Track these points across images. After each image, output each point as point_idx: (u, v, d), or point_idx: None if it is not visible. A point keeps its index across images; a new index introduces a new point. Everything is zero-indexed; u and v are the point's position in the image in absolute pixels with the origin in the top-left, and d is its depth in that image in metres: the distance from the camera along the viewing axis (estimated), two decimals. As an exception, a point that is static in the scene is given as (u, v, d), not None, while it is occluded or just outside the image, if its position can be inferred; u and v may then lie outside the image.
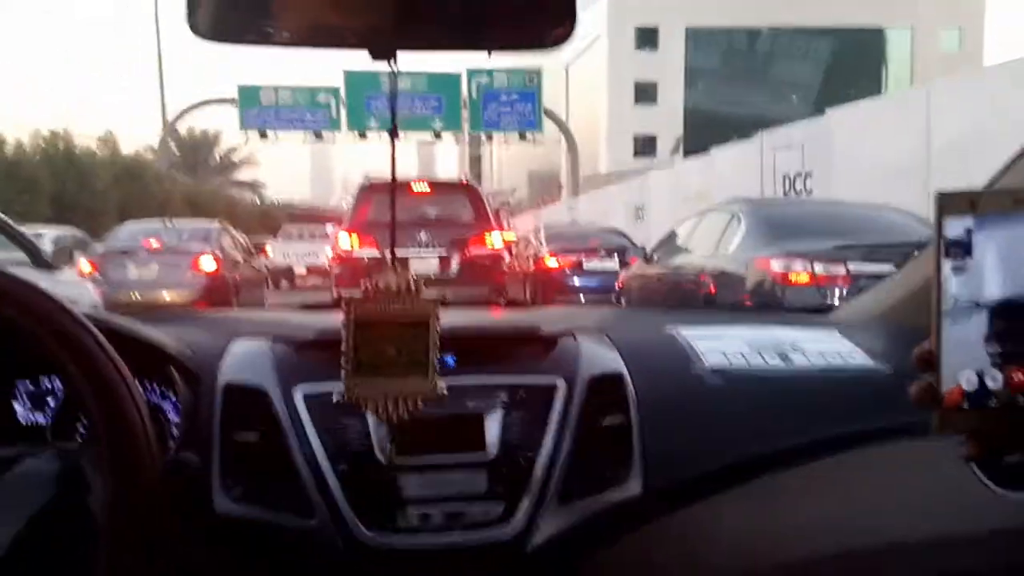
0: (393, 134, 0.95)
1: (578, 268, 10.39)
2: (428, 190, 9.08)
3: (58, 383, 1.12)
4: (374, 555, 0.99)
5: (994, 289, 0.59)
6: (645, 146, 39.16)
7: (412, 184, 9.06)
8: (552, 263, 10.51)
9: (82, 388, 0.73)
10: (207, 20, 0.85)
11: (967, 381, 0.59)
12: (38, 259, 5.27)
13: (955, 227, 0.59)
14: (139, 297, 8.69)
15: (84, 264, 8.51)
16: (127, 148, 24.13)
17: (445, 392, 0.92)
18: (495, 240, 8.72)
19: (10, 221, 5.30)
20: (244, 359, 1.13)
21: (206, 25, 0.85)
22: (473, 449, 1.05)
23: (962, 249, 0.59)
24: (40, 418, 1.12)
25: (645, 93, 39.51)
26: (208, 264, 9.22)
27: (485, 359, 1.15)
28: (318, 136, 24.13)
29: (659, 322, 1.39)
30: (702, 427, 1.14)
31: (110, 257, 9.19)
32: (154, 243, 9.40)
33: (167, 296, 8.82)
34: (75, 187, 18.61)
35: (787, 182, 11.62)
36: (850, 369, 1.22)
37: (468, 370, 1.10)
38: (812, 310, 1.94)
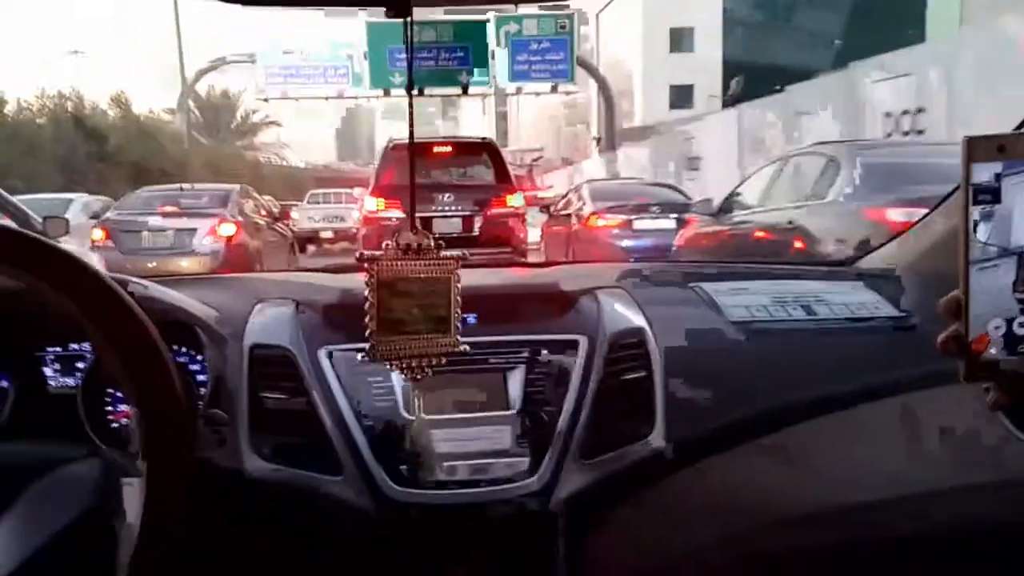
0: (409, 89, 0.95)
1: (627, 227, 9.31)
2: (449, 150, 9.12)
3: (86, 348, 1.13)
4: (402, 510, 1.02)
5: (1022, 235, 0.58)
6: (681, 97, 37.59)
7: (433, 145, 9.04)
8: (599, 222, 9.46)
9: (111, 353, 0.73)
10: None
11: (995, 328, 0.59)
12: (28, 228, 4.90)
13: (983, 172, 0.59)
14: (154, 266, 8.00)
15: (96, 232, 8.39)
16: (145, 110, 23.42)
17: (467, 348, 0.92)
18: (516, 200, 8.65)
19: None
20: (269, 321, 1.16)
21: None
22: (496, 406, 1.08)
23: (990, 195, 0.59)
24: (69, 381, 1.14)
25: (681, 40, 37.72)
26: (227, 230, 8.60)
27: (507, 317, 1.16)
28: (340, 95, 23.47)
29: (680, 277, 1.40)
30: (724, 381, 1.15)
31: (123, 224, 8.63)
32: (169, 208, 8.87)
33: (184, 264, 8.22)
34: (86, 150, 17.73)
35: (892, 122, 9.69)
36: (876, 319, 1.22)
37: (490, 329, 1.11)
38: (836, 262, 1.85)
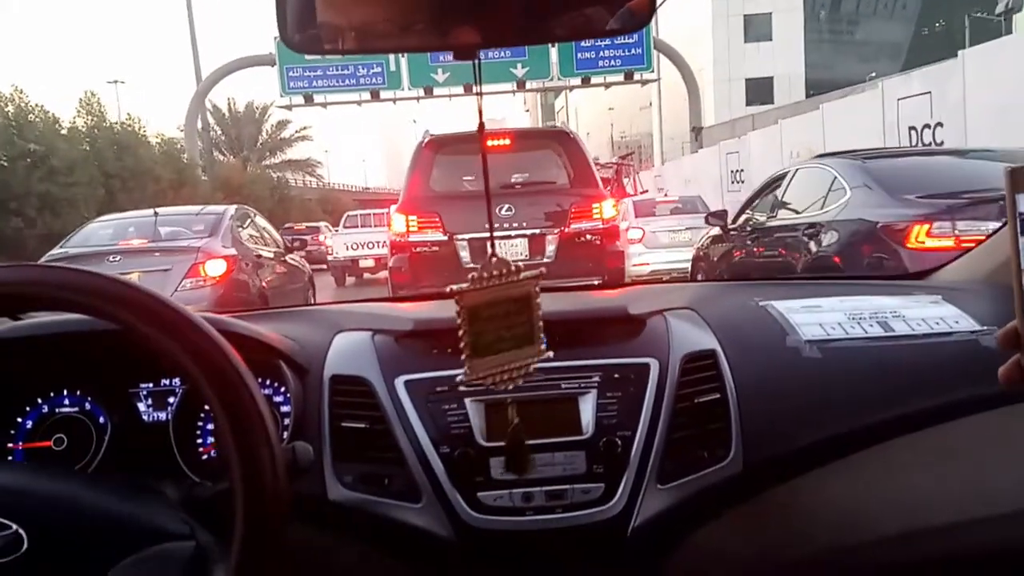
0: (481, 131, 1.03)
1: None
2: (508, 143, 6.38)
3: (176, 383, 1.18)
4: (480, 537, 1.02)
5: None
6: (759, 90, 33.87)
7: (486, 137, 4.71)
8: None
9: (203, 388, 0.75)
10: (295, 34, 0.86)
11: None
12: None
13: None
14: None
15: None
16: (166, 128, 20.09)
17: (552, 354, 0.95)
18: (607, 210, 6.29)
19: None
20: (348, 351, 1.19)
21: (296, 39, 0.86)
22: (570, 431, 1.07)
23: None
24: (161, 415, 1.17)
25: (758, 27, 34.03)
26: (215, 268, 6.22)
27: (576, 342, 1.15)
28: (374, 96, 20.36)
29: (750, 296, 1.35)
30: (801, 401, 1.12)
31: (71, 263, 5.00)
32: (137, 242, 6.63)
33: None
34: (36, 171, 13.98)
35: (914, 134, 9.97)
36: (956, 334, 1.18)
37: (560, 354, 1.07)
38: (912, 275, 1.63)
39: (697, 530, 1.07)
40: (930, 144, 9.51)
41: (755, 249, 6.05)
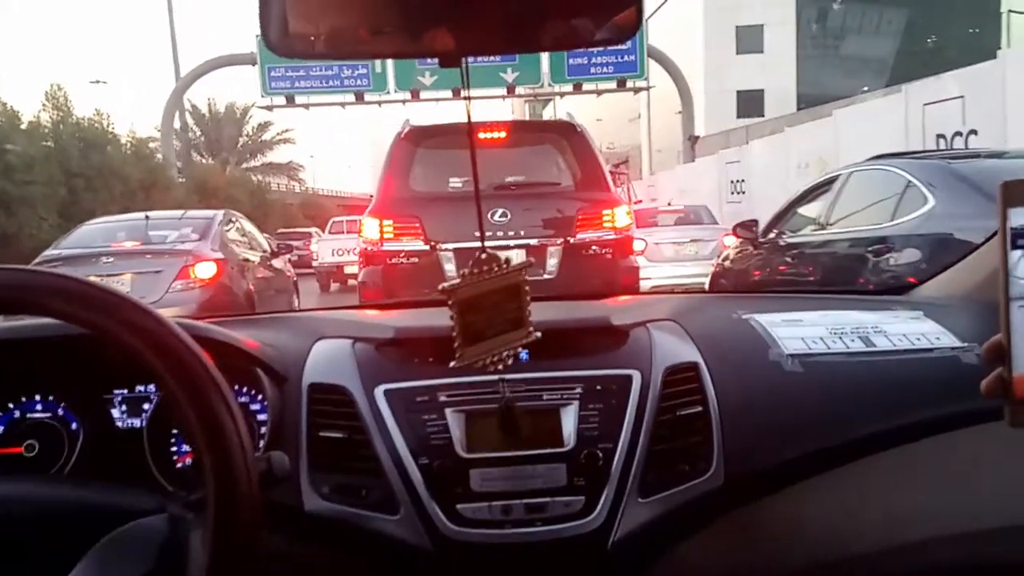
0: (470, 132, 1.04)
1: None
2: (504, 137, 5.39)
3: (152, 389, 1.17)
4: (458, 549, 1.01)
5: None
6: (750, 103, 33.58)
7: (478, 129, 5.25)
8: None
9: (177, 394, 0.74)
10: (280, 37, 0.86)
11: None
12: None
13: (1021, 216, 0.60)
14: None
15: None
16: (144, 128, 19.13)
17: (539, 334, 0.99)
18: (620, 217, 5.23)
19: None
20: (327, 359, 1.17)
21: (280, 42, 0.86)
22: (551, 443, 1.06)
23: None
24: (136, 422, 1.16)
25: (749, 39, 33.79)
26: (205, 271, 6.47)
27: (559, 353, 1.15)
28: (359, 98, 19.72)
29: (732, 309, 1.35)
30: (783, 415, 1.12)
31: (62, 265, 6.24)
32: (128, 245, 6.79)
33: None
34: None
35: (943, 144, 9.13)
36: (937, 350, 1.19)
37: (542, 364, 1.12)
38: (894, 290, 1.60)
39: (678, 544, 1.07)
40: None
41: (799, 267, 5.28)
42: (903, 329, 1.23)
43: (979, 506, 1.05)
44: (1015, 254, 0.59)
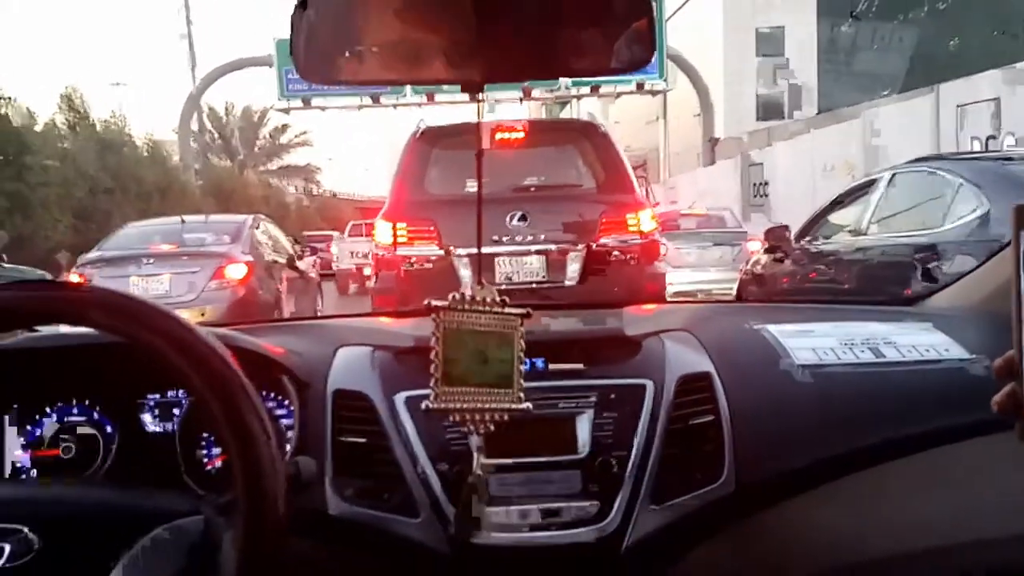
0: (480, 180, 1.08)
1: None
2: (523, 138, 5.13)
3: (183, 395, 1.21)
4: (475, 552, 1.03)
5: None
6: (770, 106, 33.17)
7: (496, 130, 5.05)
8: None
9: (209, 401, 0.76)
10: (311, 66, 0.90)
11: None
12: None
13: None
14: None
15: (74, 277, 6.93)
16: (161, 131, 19.10)
17: (529, 407, 0.97)
18: (645, 221, 4.97)
19: None
20: (350, 366, 1.21)
21: (310, 70, 0.90)
22: (566, 450, 1.09)
23: None
24: (167, 427, 1.20)
25: (769, 42, 33.44)
26: (237, 272, 6.95)
27: (575, 362, 1.17)
28: (375, 101, 19.86)
29: (745, 319, 1.37)
30: (793, 424, 1.14)
31: (107, 267, 6.92)
32: (165, 247, 7.24)
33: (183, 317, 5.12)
34: (7, 169, 12.76)
35: (977, 145, 8.87)
36: (945, 362, 1.20)
37: (558, 373, 1.15)
38: (904, 301, 1.70)
39: (690, 550, 1.09)
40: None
41: (836, 275, 5.02)
42: (912, 340, 1.25)
43: (986, 515, 1.06)
44: None
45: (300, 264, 8.79)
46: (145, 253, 7.04)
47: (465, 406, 0.93)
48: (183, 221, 8.10)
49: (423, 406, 0.95)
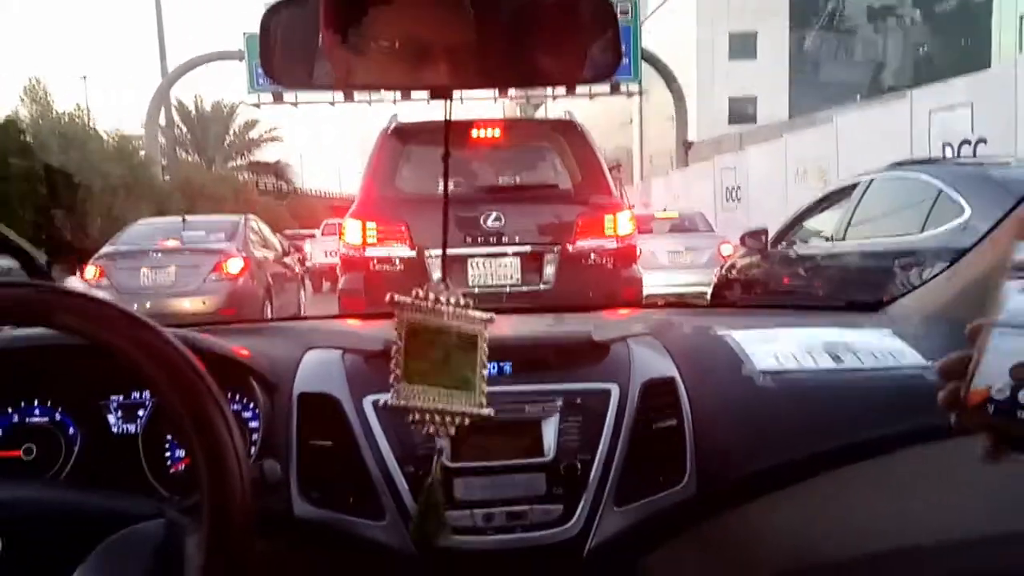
0: (446, 158, 1.08)
1: None
2: (499, 136, 5.00)
3: (147, 396, 1.20)
4: (441, 555, 1.04)
5: None
6: (742, 110, 33.40)
7: (471, 127, 4.94)
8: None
9: (173, 403, 0.76)
10: (280, 68, 0.93)
11: (998, 390, 0.60)
12: (33, 266, 4.71)
13: None
14: (149, 307, 7.16)
15: (90, 269, 7.69)
16: (129, 126, 18.72)
17: (492, 414, 0.98)
18: (623, 224, 4.89)
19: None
20: (318, 369, 1.20)
21: (280, 72, 0.93)
22: (531, 453, 1.10)
23: None
24: (131, 428, 1.19)
25: (743, 46, 33.62)
26: (234, 266, 7.92)
27: (540, 366, 1.19)
28: (348, 97, 19.51)
29: (709, 325, 1.39)
30: (754, 429, 1.16)
31: (120, 260, 7.84)
32: (171, 243, 8.18)
33: (187, 305, 7.62)
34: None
35: (949, 151, 8.93)
36: (903, 368, 1.22)
37: (524, 377, 1.16)
38: (867, 306, 1.63)
39: (653, 551, 1.11)
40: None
41: (813, 280, 5.02)
42: (871, 347, 1.27)
43: (946, 519, 1.08)
44: (1014, 285, 0.61)
45: (287, 260, 9.72)
46: (153, 248, 7.96)
47: (425, 406, 0.93)
48: (184, 220, 8.91)
49: (381, 402, 0.98)
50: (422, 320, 0.92)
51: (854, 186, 5.00)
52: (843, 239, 4.88)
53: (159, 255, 7.90)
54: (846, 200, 5.01)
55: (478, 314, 0.95)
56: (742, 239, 5.95)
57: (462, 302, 0.94)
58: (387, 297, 0.92)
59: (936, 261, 3.80)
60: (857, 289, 4.44)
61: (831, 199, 5.32)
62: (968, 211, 3.79)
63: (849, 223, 4.89)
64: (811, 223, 5.43)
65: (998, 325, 0.60)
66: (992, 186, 3.83)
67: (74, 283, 6.22)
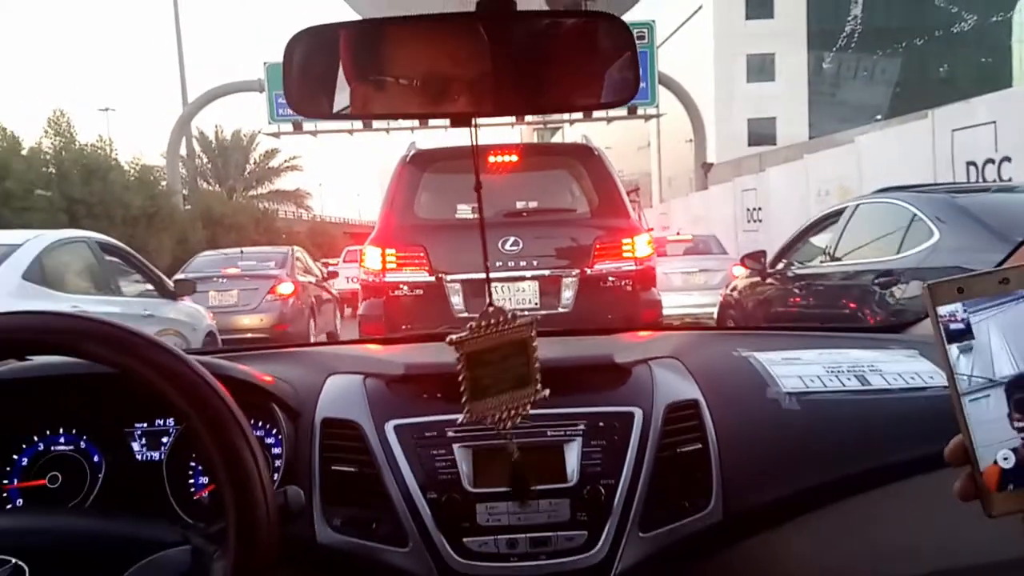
0: (478, 189, 1.07)
1: None
2: (517, 161, 4.98)
3: (171, 423, 1.21)
4: None
5: (1004, 366, 0.60)
6: (761, 131, 33.32)
7: (489, 152, 4.88)
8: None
9: (199, 430, 0.76)
10: (302, 99, 0.94)
11: (1004, 459, 0.59)
12: (164, 289, 6.20)
13: (950, 313, 0.61)
14: (217, 323, 7.85)
15: None
16: (151, 156, 18.94)
17: (547, 392, 0.99)
18: (640, 246, 4.83)
19: (138, 255, 6.16)
20: (340, 394, 1.21)
21: (302, 102, 0.94)
22: (555, 479, 1.08)
23: (963, 331, 0.60)
24: (155, 455, 1.19)
25: (760, 68, 33.56)
26: (286, 289, 9.33)
27: (563, 390, 1.14)
28: (367, 125, 19.55)
29: (733, 347, 1.37)
30: (781, 452, 1.14)
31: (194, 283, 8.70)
32: (232, 270, 9.63)
33: (246, 321, 8.96)
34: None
35: (973, 171, 8.74)
36: (931, 389, 1.20)
37: (546, 401, 1.09)
38: (891, 328, 1.63)
39: None
40: (993, 181, 8.15)
41: (806, 298, 5.27)
42: (898, 368, 1.25)
43: (974, 543, 1.05)
44: (953, 350, 0.60)
45: (326, 284, 11.27)
46: (218, 274, 9.37)
47: (492, 412, 0.96)
48: (242, 252, 10.62)
49: (458, 421, 0.99)
50: (478, 346, 0.94)
51: (844, 210, 5.21)
52: (833, 260, 5.12)
53: (223, 280, 9.31)
54: (835, 223, 5.23)
55: (523, 321, 0.97)
56: (742, 260, 6.11)
57: (509, 316, 0.96)
58: (447, 340, 0.94)
59: (913, 279, 4.05)
60: (844, 306, 4.68)
61: (823, 223, 5.50)
62: (937, 234, 4.02)
63: (838, 245, 5.09)
64: (806, 246, 5.63)
65: (964, 394, 0.59)
66: (956, 211, 4.08)
67: (189, 304, 6.82)
